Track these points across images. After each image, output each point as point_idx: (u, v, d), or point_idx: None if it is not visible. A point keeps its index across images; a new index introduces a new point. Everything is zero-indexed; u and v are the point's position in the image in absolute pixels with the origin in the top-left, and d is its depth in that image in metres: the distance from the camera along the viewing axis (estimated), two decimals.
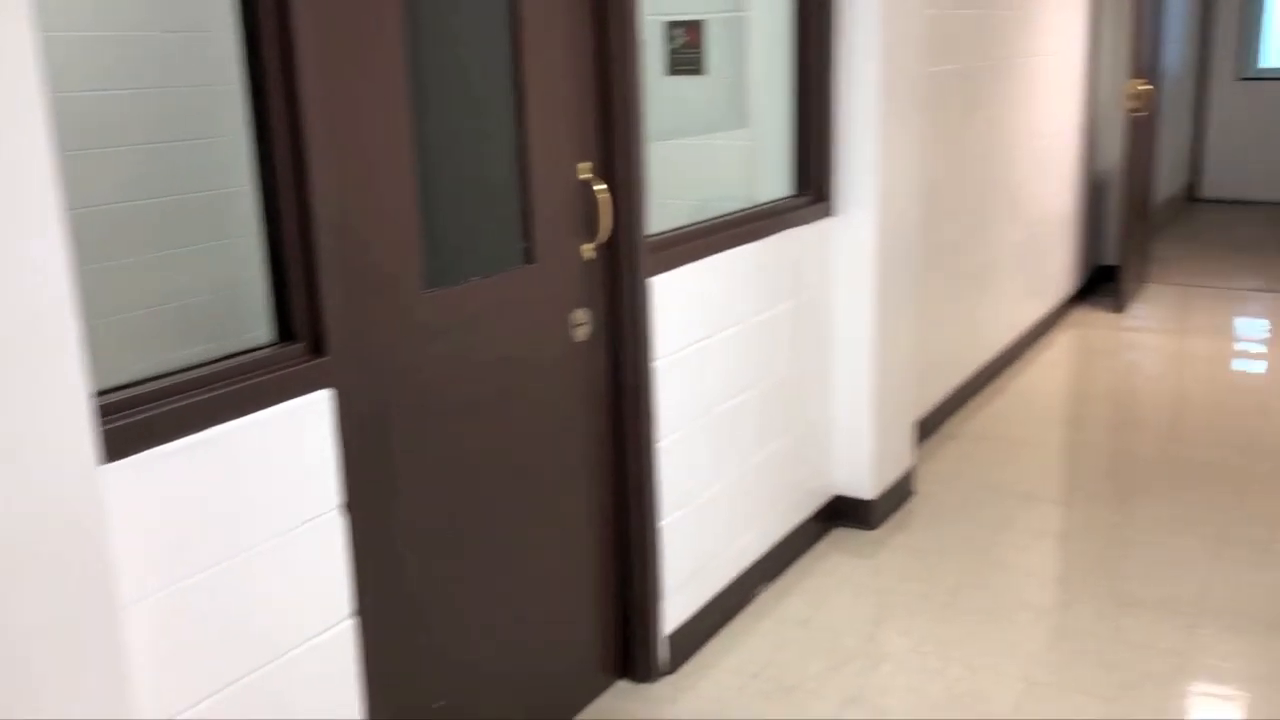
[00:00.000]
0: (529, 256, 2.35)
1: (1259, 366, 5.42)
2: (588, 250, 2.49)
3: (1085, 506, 3.82)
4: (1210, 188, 10.26)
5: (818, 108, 3.35)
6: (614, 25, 2.43)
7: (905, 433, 3.85)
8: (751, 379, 3.12)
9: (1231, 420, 4.62)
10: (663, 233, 2.74)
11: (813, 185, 3.40)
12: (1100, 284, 7.06)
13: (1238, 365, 5.45)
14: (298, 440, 1.81)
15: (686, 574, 2.89)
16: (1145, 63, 6.15)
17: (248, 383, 1.72)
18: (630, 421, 2.61)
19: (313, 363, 1.82)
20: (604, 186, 2.45)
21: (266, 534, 1.78)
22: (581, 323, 2.49)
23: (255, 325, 1.86)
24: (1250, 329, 6.12)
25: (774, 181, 3.40)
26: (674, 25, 3.74)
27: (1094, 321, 6.27)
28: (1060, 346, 5.83)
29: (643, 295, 2.58)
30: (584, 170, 2.45)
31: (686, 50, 3.66)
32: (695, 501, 2.90)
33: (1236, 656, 2.90)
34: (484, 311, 2.24)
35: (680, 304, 2.75)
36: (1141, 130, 6.29)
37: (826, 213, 3.43)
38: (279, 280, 1.82)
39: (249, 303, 1.90)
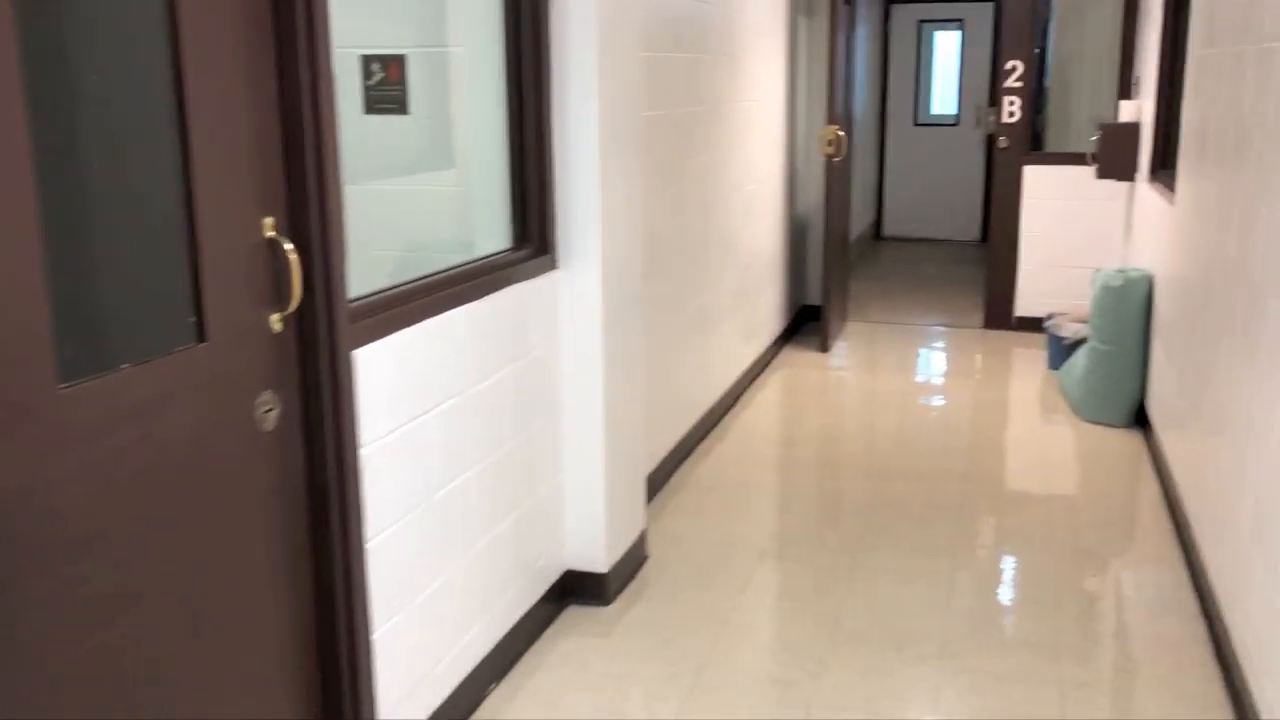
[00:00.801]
0: (201, 333, 1.92)
1: (943, 400, 5.65)
2: (276, 321, 2.08)
3: (816, 559, 3.74)
4: (891, 226, 10.89)
5: (536, 154, 3.08)
6: (301, 59, 2.05)
7: (638, 495, 3.63)
8: (475, 456, 2.78)
9: (936, 457, 4.74)
10: (367, 296, 2.37)
11: (534, 236, 3.12)
12: (805, 323, 7.23)
13: (927, 400, 5.65)
14: None
15: (406, 689, 2.51)
16: (838, 110, 6.34)
17: None
18: (333, 522, 2.21)
19: None
20: (293, 246, 2.06)
21: None
22: (270, 407, 2.08)
23: None
24: (936, 364, 6.40)
25: (492, 233, 3.10)
26: (372, 60, 3.37)
27: (801, 361, 6.36)
28: (773, 388, 5.85)
29: (345, 371, 2.19)
30: (269, 227, 2.05)
31: (387, 87, 3.30)
32: (414, 603, 2.53)
33: (996, 700, 2.84)
34: (143, 404, 1.79)
35: (390, 378, 2.39)
36: (838, 174, 6.48)
37: (550, 266, 3.16)
38: None
39: None
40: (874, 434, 5.13)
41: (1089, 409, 5.22)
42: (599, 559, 3.36)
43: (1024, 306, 6.97)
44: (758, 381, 5.92)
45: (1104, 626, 3.29)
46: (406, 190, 3.36)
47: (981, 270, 9.19)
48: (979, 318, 7.27)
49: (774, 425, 5.29)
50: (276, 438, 2.11)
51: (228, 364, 1.98)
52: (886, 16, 10.50)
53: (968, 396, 5.75)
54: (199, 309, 1.91)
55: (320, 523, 2.21)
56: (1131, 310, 5.05)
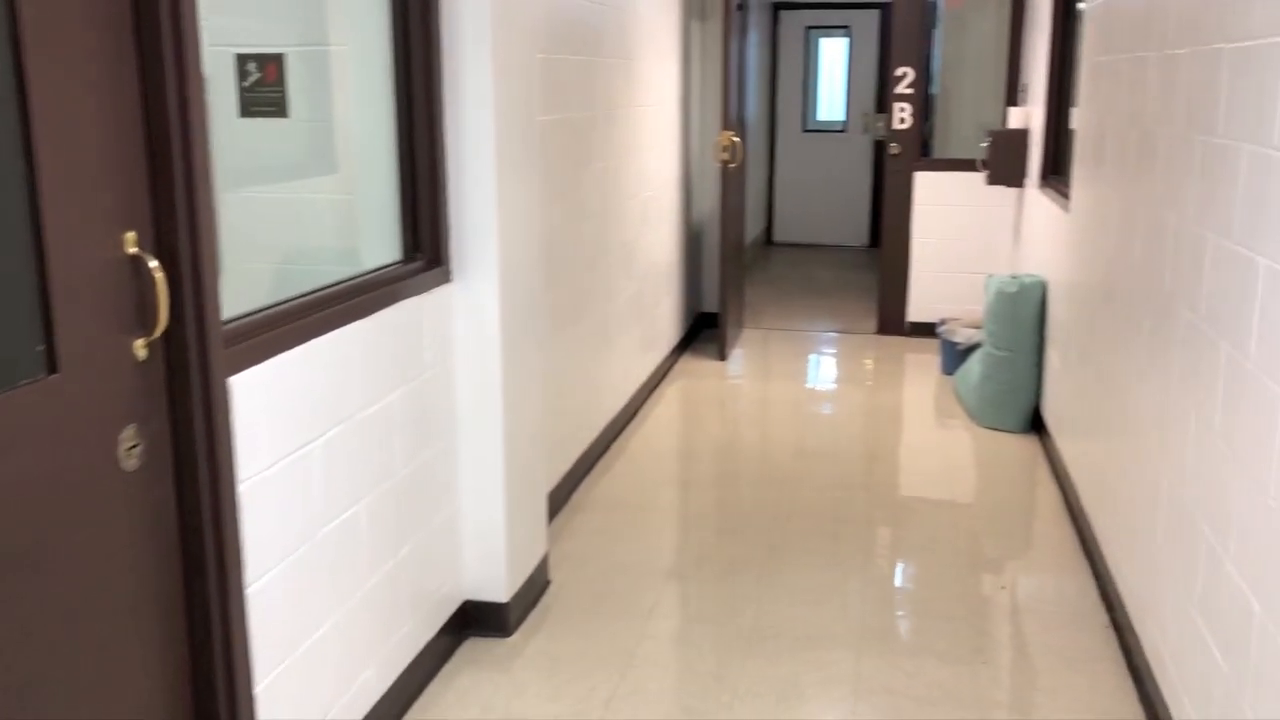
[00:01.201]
0: (52, 363, 1.70)
1: (841, 407, 5.61)
2: (141, 347, 1.87)
3: (723, 580, 3.62)
4: (782, 232, 10.92)
5: (428, 158, 2.90)
6: (167, 58, 1.84)
7: (539, 518, 3.46)
8: (366, 485, 2.59)
9: (838, 467, 4.68)
10: (244, 316, 2.16)
11: (426, 248, 2.93)
12: (702, 330, 7.15)
13: (825, 408, 5.61)
14: None
15: None
16: (733, 116, 6.27)
17: None
18: (208, 567, 2.00)
19: None
20: (158, 263, 1.85)
21: None
22: (134, 444, 1.86)
23: None
24: (832, 371, 6.38)
25: (382, 244, 2.90)
26: (247, 59, 3.14)
27: (699, 370, 6.27)
28: (672, 399, 5.74)
29: (219, 401, 1.99)
30: (130, 242, 1.83)
31: (264, 88, 3.08)
32: (301, 650, 2.32)
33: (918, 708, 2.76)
34: None
35: (271, 407, 2.18)
36: (734, 181, 6.41)
37: (443, 279, 2.97)
38: None
39: None
40: (774, 445, 5.05)
41: (985, 415, 5.24)
42: (499, 588, 3.19)
43: (916, 312, 7.01)
44: (657, 392, 5.80)
45: (1017, 638, 3.25)
46: (287, 199, 3.14)
47: (871, 275, 9.26)
48: (872, 323, 7.28)
49: (674, 438, 5.17)
50: (142, 476, 1.89)
51: (84, 397, 1.76)
52: (775, 22, 10.52)
53: (865, 403, 5.72)
54: (49, 336, 1.69)
55: (194, 568, 1.99)
56: (1026, 316, 5.08)
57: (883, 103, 10.52)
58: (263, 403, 2.15)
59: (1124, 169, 3.48)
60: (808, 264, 9.89)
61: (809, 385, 6.06)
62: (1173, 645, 2.67)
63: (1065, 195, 4.74)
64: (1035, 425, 5.17)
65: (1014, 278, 5.24)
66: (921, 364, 6.46)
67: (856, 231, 10.78)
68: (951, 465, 4.78)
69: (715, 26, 6.84)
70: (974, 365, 5.54)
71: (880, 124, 10.52)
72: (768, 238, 10.91)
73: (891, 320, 7.08)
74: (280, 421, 2.21)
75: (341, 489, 2.47)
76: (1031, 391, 5.14)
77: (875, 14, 10.39)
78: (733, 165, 6.29)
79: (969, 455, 4.91)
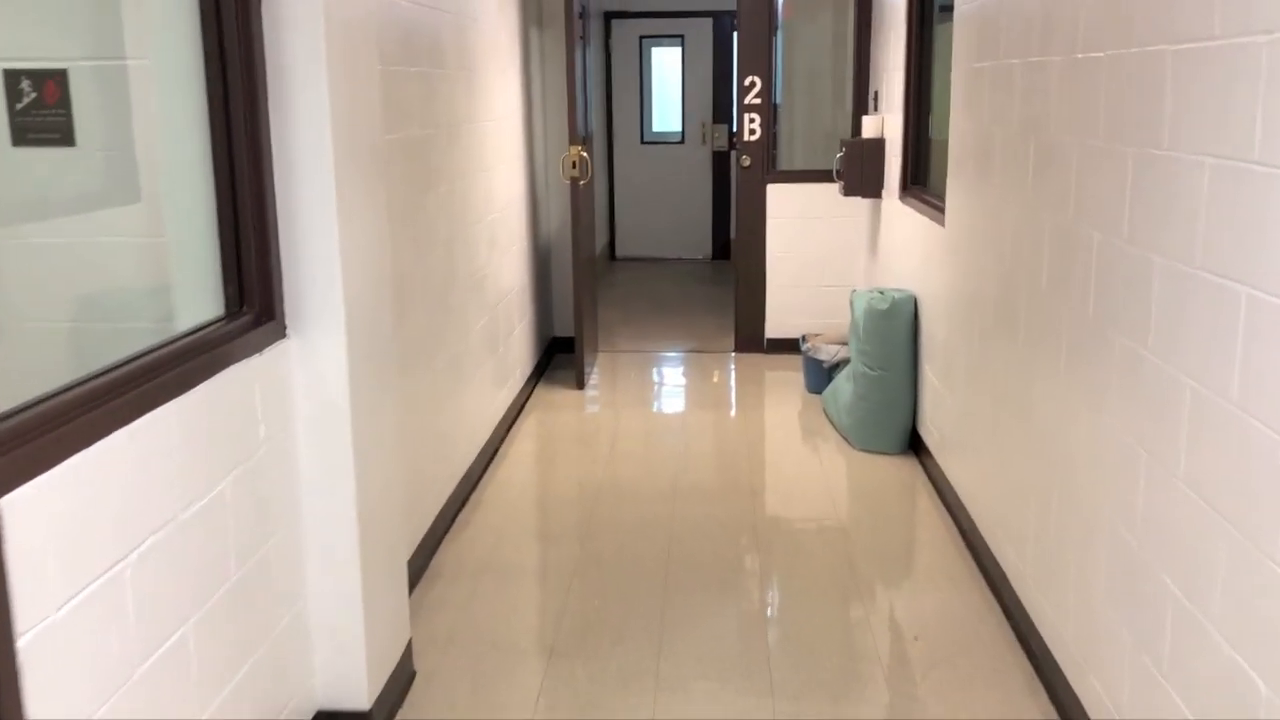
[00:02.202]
0: None
1: (708, 434, 5.31)
2: None
3: (610, 654, 3.23)
4: (624, 247, 10.61)
5: (253, 192, 2.41)
6: None
7: (400, 601, 3.00)
8: (193, 601, 2.09)
9: (714, 501, 4.36)
10: (17, 411, 1.65)
11: (254, 299, 2.44)
12: (555, 355, 6.75)
13: (692, 436, 5.29)
14: None
15: None
16: (580, 129, 5.90)
17: None
18: None
19: None
20: None
21: None
22: None
23: None
24: (695, 394, 6.08)
25: (199, 297, 2.40)
26: (19, 75, 2.59)
27: (557, 401, 5.87)
28: (530, 436, 5.32)
29: None
30: None
31: (43, 111, 2.53)
32: None
33: None
34: None
35: (59, 529, 1.68)
36: (584, 198, 6.04)
37: (278, 334, 2.49)
38: None
39: None
40: (645, 482, 4.69)
41: (861, 437, 5.01)
42: (359, 693, 2.71)
43: (774, 328, 6.79)
44: (514, 430, 5.37)
45: (929, 668, 2.97)
46: (76, 242, 2.59)
47: (719, 289, 9.05)
48: (729, 341, 7.03)
49: (537, 481, 4.75)
50: None
51: None
52: (608, 32, 10.21)
53: (734, 429, 5.43)
54: None
55: None
56: (899, 333, 4.88)
57: (720, 112, 10.35)
58: (47, 526, 1.64)
59: (1021, 181, 3.27)
60: (653, 279, 9.61)
61: (673, 411, 5.73)
62: (1105, 681, 2.43)
63: (937, 208, 4.55)
64: (913, 445, 4.98)
65: (882, 293, 5.04)
66: (784, 382, 6.22)
67: (700, 244, 10.57)
68: (837, 492, 4.52)
69: (554, 35, 6.46)
70: (844, 384, 5.32)
71: (719, 134, 10.36)
72: (611, 252, 10.59)
73: (749, 338, 6.83)
74: (73, 547, 1.70)
75: (162, 612, 1.97)
76: (908, 410, 4.94)
77: (708, 22, 10.20)
78: (583, 182, 5.91)
79: (850, 481, 4.67)
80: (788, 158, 6.92)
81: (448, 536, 4.06)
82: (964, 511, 4.07)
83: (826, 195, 6.55)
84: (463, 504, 4.34)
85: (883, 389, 4.91)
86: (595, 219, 8.68)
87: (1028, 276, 3.20)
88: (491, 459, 4.90)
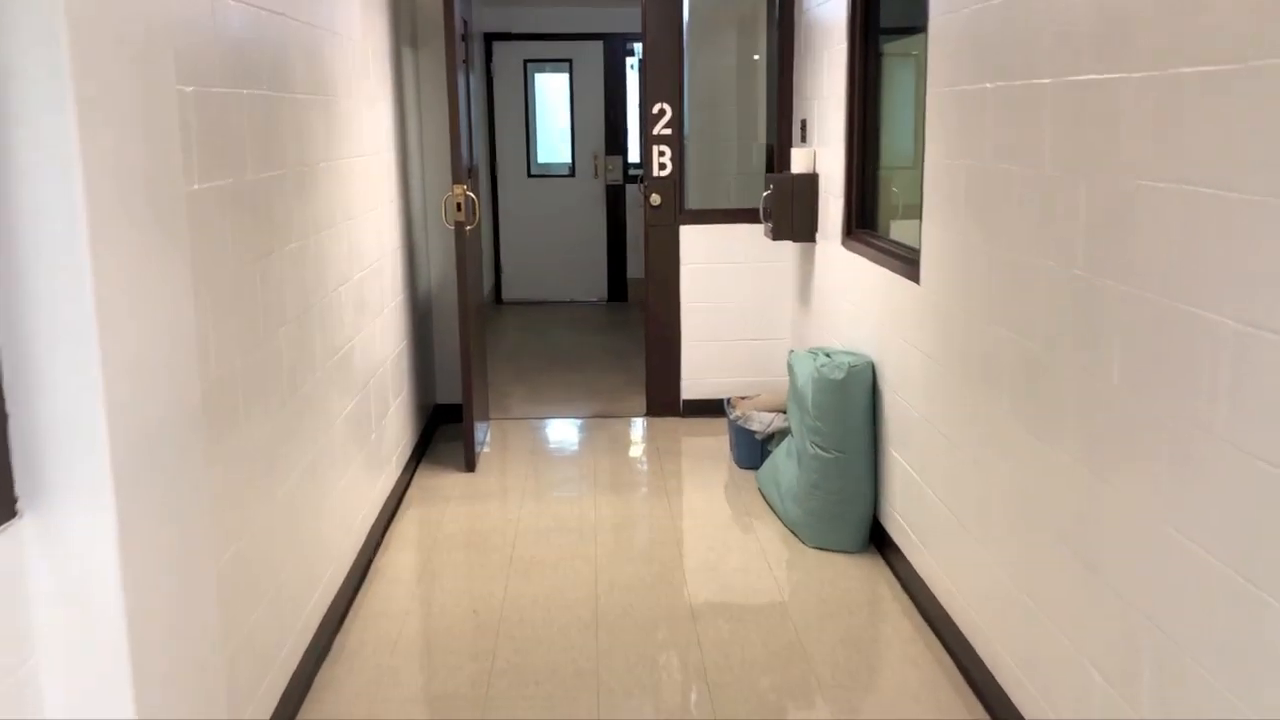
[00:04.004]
0: None
1: (629, 529, 4.44)
2: None
3: None
4: (512, 289, 9.70)
5: None
6: None
7: None
8: None
9: (647, 627, 3.49)
10: None
11: None
12: (439, 426, 5.80)
13: (610, 531, 4.41)
14: None
15: None
16: (464, 165, 5.00)
17: None
18: None
19: None
20: None
21: None
22: None
23: None
24: (607, 472, 5.20)
25: None
26: None
27: (442, 490, 4.92)
28: (409, 542, 4.37)
29: None
30: None
31: None
32: None
33: None
34: None
35: None
36: (470, 245, 5.12)
37: (4, 516, 1.54)
38: None
39: None
40: (556, 603, 3.79)
41: (813, 532, 4.20)
42: None
43: (692, 388, 5.97)
44: (391, 533, 4.41)
45: None
46: None
47: (618, 335, 8.21)
48: (639, 402, 6.18)
49: (420, 611, 3.80)
50: None
51: None
52: (489, 55, 9.32)
53: (658, 519, 4.57)
54: None
55: None
56: (857, 407, 4.09)
57: (613, 143, 9.54)
58: None
59: (1053, 234, 2.49)
60: (546, 326, 8.71)
61: (582, 497, 4.84)
62: None
63: (905, 259, 3.78)
64: (874, 539, 4.19)
65: (829, 356, 4.25)
66: (707, 453, 5.39)
67: (594, 285, 9.71)
68: (793, 612, 3.68)
69: (431, 55, 5.55)
70: (784, 462, 4.51)
71: (612, 166, 9.55)
72: (497, 296, 9.66)
73: (662, 399, 6.00)
74: None
75: None
76: (869, 500, 4.15)
77: (598, 46, 9.40)
78: (470, 227, 5.00)
79: (809, 593, 3.85)
80: (695, 195, 6.11)
81: (308, 700, 3.09)
82: (950, 626, 3.30)
83: (748, 238, 5.77)
84: (324, 653, 3.37)
85: (841, 475, 4.11)
86: (481, 261, 7.76)
87: (1044, 342, 2.42)
88: (363, 578, 3.94)
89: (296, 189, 3.22)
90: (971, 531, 3.14)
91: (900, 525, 3.90)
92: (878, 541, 4.16)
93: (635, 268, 9.52)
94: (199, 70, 2.45)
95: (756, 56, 6.29)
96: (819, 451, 4.14)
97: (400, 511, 4.63)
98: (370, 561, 4.07)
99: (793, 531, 4.32)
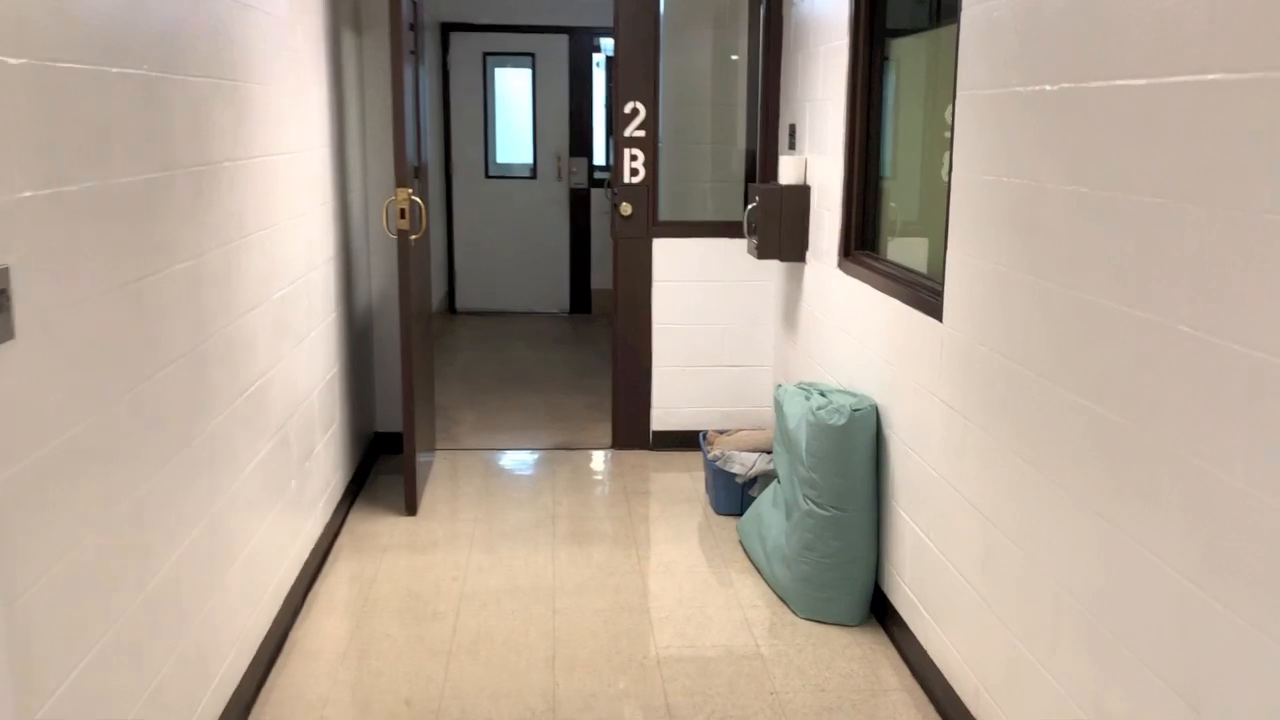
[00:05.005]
0: None
1: (594, 593, 3.85)
2: None
3: None
4: (466, 299, 9.07)
5: None
6: None
7: None
8: None
9: None
10: None
11: None
12: (378, 457, 5.18)
13: (568, 598, 3.82)
14: None
15: None
16: (410, 166, 4.39)
17: None
18: None
19: None
20: None
21: None
22: None
23: None
24: (568, 520, 4.60)
25: None
26: None
27: (377, 537, 4.31)
28: (336, 605, 3.75)
29: None
30: None
31: None
32: None
33: None
34: None
35: None
36: (416, 256, 4.51)
37: None
38: None
39: None
40: (505, 695, 3.20)
41: (807, 602, 3.64)
42: None
43: (663, 419, 5.39)
44: (313, 595, 3.79)
45: None
46: None
47: (582, 352, 7.62)
48: (604, 432, 5.60)
49: (339, 705, 3.18)
50: None
51: None
52: (445, 46, 8.69)
53: (625, 580, 3.97)
54: None
55: None
56: (859, 458, 3.53)
57: (578, 143, 8.94)
58: None
59: (1139, 271, 1.94)
60: (502, 339, 8.10)
61: (540, 548, 4.24)
62: None
63: (925, 289, 3.23)
64: (874, 609, 3.64)
65: (825, 396, 3.69)
66: (680, 493, 4.82)
67: (555, 296, 9.11)
68: (793, 710, 3.11)
69: (376, 42, 4.93)
70: (770, 514, 3.95)
71: (577, 168, 8.95)
72: (450, 305, 9.03)
73: (630, 430, 5.42)
74: None
75: None
76: (870, 565, 3.59)
77: (563, 39, 8.80)
78: (415, 236, 4.39)
79: (805, 679, 3.28)
80: (665, 204, 5.52)
81: None
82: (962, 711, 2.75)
83: (727, 254, 5.21)
84: None
85: (839, 536, 3.55)
86: (432, 268, 7.14)
87: (1151, 421, 1.87)
88: (277, 653, 3.32)
89: (190, 194, 2.60)
90: (1010, 624, 2.59)
91: (908, 597, 3.35)
92: (879, 612, 3.61)
93: (600, 278, 8.94)
94: (36, 38, 1.84)
95: (735, 57, 5.73)
96: (814, 508, 3.57)
97: (327, 565, 4.01)
98: (287, 631, 3.46)
99: (781, 598, 3.76)
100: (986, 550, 2.73)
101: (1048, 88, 2.38)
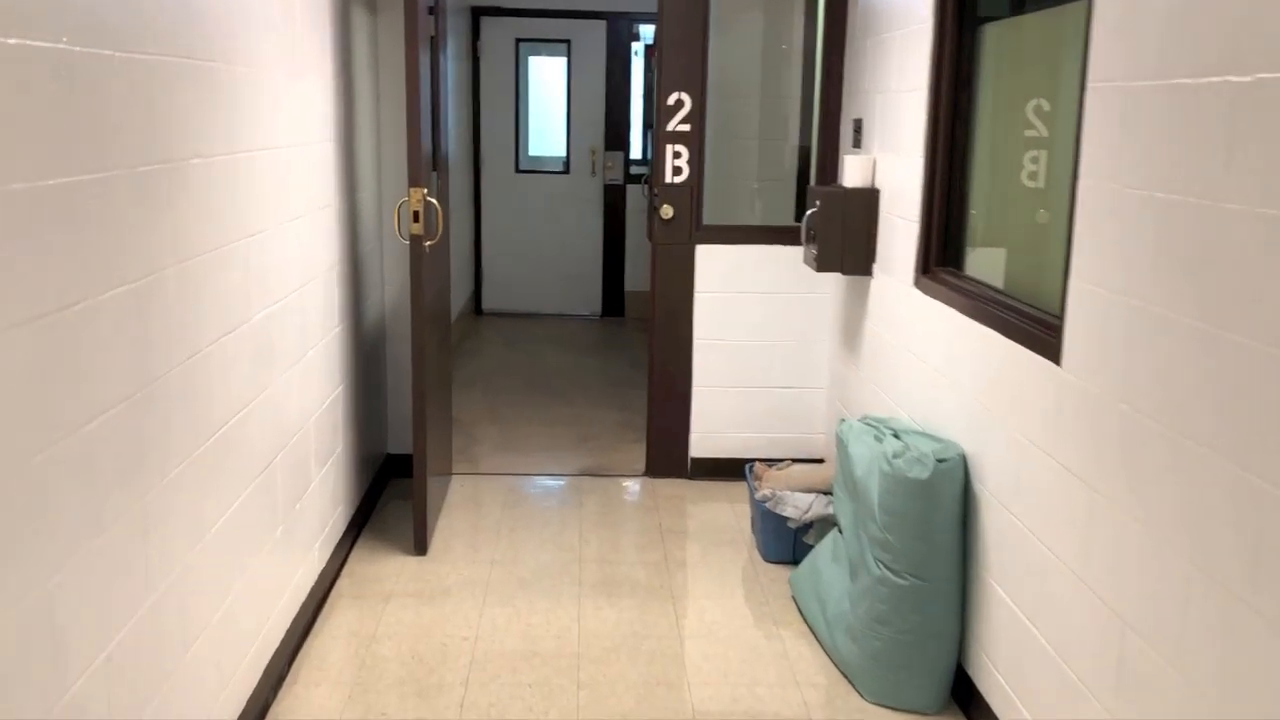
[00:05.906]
0: None
1: (623, 658, 3.33)
2: None
3: None
4: (493, 299, 8.57)
5: None
6: None
7: None
8: None
9: None
10: None
11: None
12: (389, 481, 4.69)
13: (598, 660, 3.30)
14: None
15: None
16: (425, 166, 3.88)
17: None
18: None
19: None
20: None
21: None
22: None
23: None
24: (595, 564, 4.08)
25: None
26: None
27: (384, 580, 3.81)
28: (330, 666, 3.25)
29: None
30: None
31: None
32: None
33: None
34: None
35: None
36: (432, 265, 4.01)
37: None
38: None
39: None
40: None
41: (877, 684, 3.10)
42: None
43: (703, 444, 4.86)
44: (303, 656, 3.29)
45: None
46: None
47: (614, 359, 7.10)
48: (638, 455, 5.08)
49: None
50: None
51: None
52: (475, 32, 8.18)
53: (660, 645, 3.44)
54: None
55: None
56: (946, 517, 2.99)
57: (614, 137, 8.41)
58: None
59: None
60: (530, 343, 7.59)
61: (564, 600, 3.72)
62: None
63: (1029, 321, 2.67)
64: (956, 693, 3.10)
65: (900, 440, 3.15)
66: (723, 533, 4.29)
67: (587, 298, 8.59)
68: None
69: (392, 23, 4.43)
70: (830, 572, 3.42)
71: (612, 163, 8.42)
72: (476, 306, 8.53)
73: (666, 457, 4.89)
74: None
75: None
76: (953, 643, 3.05)
77: (601, 25, 8.26)
78: (430, 242, 3.88)
79: None
80: (709, 206, 4.98)
81: None
82: None
83: (778, 263, 4.68)
84: None
85: (918, 609, 3.01)
86: (455, 266, 6.63)
87: None
88: None
89: (136, 199, 2.09)
90: (1115, 688, 2.05)
91: (998, 683, 2.81)
92: (961, 697, 3.06)
93: (634, 279, 8.41)
94: None
95: (784, 46, 5.19)
96: (888, 574, 3.03)
97: (323, 615, 3.52)
98: (268, 706, 2.96)
99: (844, 674, 3.22)
100: (1122, 662, 2.18)
101: (1230, 79, 1.82)
